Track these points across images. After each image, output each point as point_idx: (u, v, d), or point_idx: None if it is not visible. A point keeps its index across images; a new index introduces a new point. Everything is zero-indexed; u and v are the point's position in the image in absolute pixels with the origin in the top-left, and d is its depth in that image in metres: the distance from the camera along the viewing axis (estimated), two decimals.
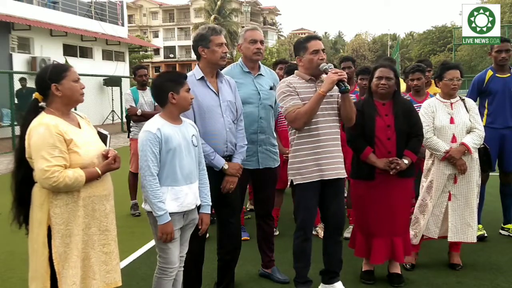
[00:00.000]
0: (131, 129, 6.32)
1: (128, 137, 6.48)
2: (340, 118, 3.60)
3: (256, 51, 3.88)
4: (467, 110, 4.19)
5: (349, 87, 3.43)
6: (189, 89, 3.07)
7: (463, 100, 4.26)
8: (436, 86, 4.42)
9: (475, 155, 4.19)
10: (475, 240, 4.20)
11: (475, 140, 4.10)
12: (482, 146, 4.29)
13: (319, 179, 3.52)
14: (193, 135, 3.10)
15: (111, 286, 2.77)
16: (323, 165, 3.51)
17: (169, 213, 2.92)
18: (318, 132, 3.50)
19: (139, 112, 6.08)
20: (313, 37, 3.61)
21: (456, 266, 4.24)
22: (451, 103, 4.20)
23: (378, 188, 3.83)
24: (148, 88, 6.29)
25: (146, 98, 6.24)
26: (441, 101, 4.22)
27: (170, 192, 2.94)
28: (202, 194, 3.16)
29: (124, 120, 16.78)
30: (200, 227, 3.19)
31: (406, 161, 3.78)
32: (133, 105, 6.16)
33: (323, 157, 3.51)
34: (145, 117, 5.68)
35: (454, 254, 4.31)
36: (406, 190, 3.95)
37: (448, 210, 4.15)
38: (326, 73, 3.46)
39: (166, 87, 3.02)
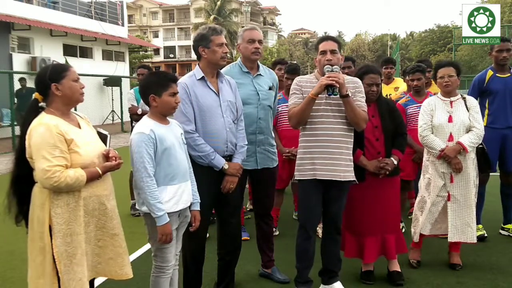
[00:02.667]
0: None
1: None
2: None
3: (254, 50, 3.86)
4: (467, 109, 4.19)
5: (337, 93, 3.33)
6: (175, 93, 3.00)
7: (464, 98, 4.25)
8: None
9: (472, 154, 4.17)
10: (475, 240, 4.20)
11: (472, 139, 4.08)
12: (480, 146, 4.27)
13: (312, 178, 3.52)
14: (181, 133, 3.15)
15: (99, 275, 2.82)
16: (317, 165, 3.50)
17: (167, 214, 2.93)
18: (317, 132, 3.50)
19: (139, 111, 6.07)
20: (325, 38, 3.61)
21: (456, 266, 4.24)
22: (451, 102, 4.19)
23: (369, 188, 3.86)
24: None
25: None
26: (441, 99, 4.23)
27: (169, 191, 2.94)
28: (192, 191, 3.17)
29: (124, 120, 16.80)
30: (193, 224, 3.18)
31: (395, 161, 3.84)
32: (135, 104, 6.18)
33: (319, 157, 3.50)
34: None
35: (454, 254, 4.31)
36: (395, 188, 4.00)
37: (447, 210, 4.15)
38: None
39: (149, 89, 2.99)
